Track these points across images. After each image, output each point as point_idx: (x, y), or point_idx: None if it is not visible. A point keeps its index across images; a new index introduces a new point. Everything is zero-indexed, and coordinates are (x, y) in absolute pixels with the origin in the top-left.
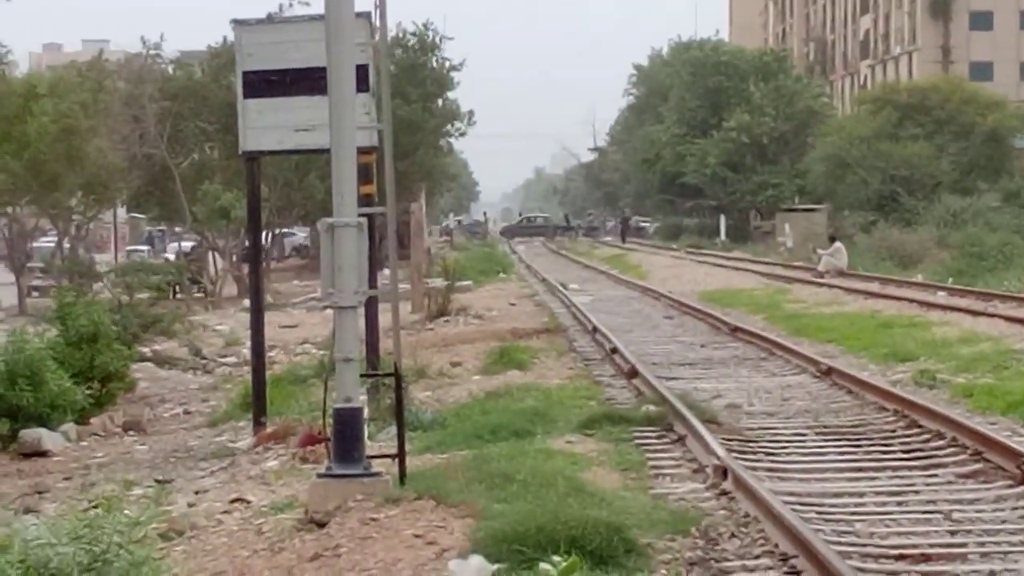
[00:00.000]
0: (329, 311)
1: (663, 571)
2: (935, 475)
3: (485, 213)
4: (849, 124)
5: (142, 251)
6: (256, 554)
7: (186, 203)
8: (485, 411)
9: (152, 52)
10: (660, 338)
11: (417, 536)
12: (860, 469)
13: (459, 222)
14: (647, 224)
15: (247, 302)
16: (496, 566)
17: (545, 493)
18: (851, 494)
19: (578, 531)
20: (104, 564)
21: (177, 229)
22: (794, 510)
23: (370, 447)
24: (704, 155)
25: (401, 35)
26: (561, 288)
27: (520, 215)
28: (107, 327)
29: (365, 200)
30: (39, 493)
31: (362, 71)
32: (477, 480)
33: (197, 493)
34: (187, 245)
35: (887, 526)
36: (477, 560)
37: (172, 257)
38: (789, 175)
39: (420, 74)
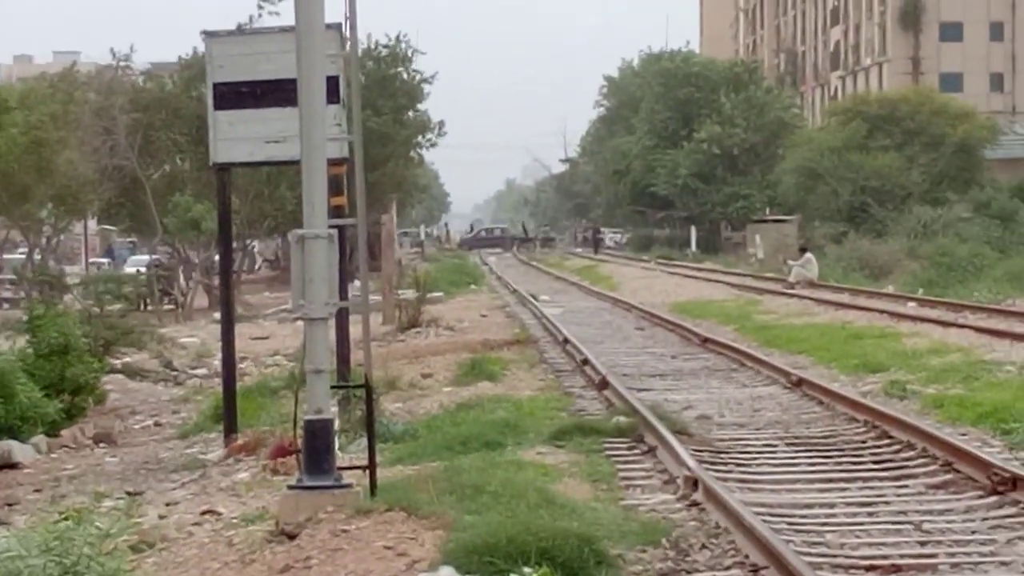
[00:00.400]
0: (300, 323)
1: None
2: (906, 486)
3: (446, 225)
4: (819, 135)
5: (102, 263)
6: (227, 566)
7: (157, 215)
8: (456, 423)
9: (122, 64)
10: (631, 349)
11: (388, 548)
12: (831, 480)
13: (428, 233)
14: (605, 235)
15: (218, 314)
16: None
17: (516, 504)
18: (822, 505)
19: (549, 542)
20: None
21: (132, 241)
22: (765, 521)
23: (341, 459)
24: (675, 166)
25: (373, 47)
26: (532, 299)
27: (472, 228)
28: (77, 339)
29: (336, 212)
30: (9, 505)
31: (332, 83)
32: (448, 491)
33: (168, 505)
34: (147, 259)
35: (858, 537)
36: (447, 571)
37: (133, 271)
38: (760, 186)
39: (391, 86)
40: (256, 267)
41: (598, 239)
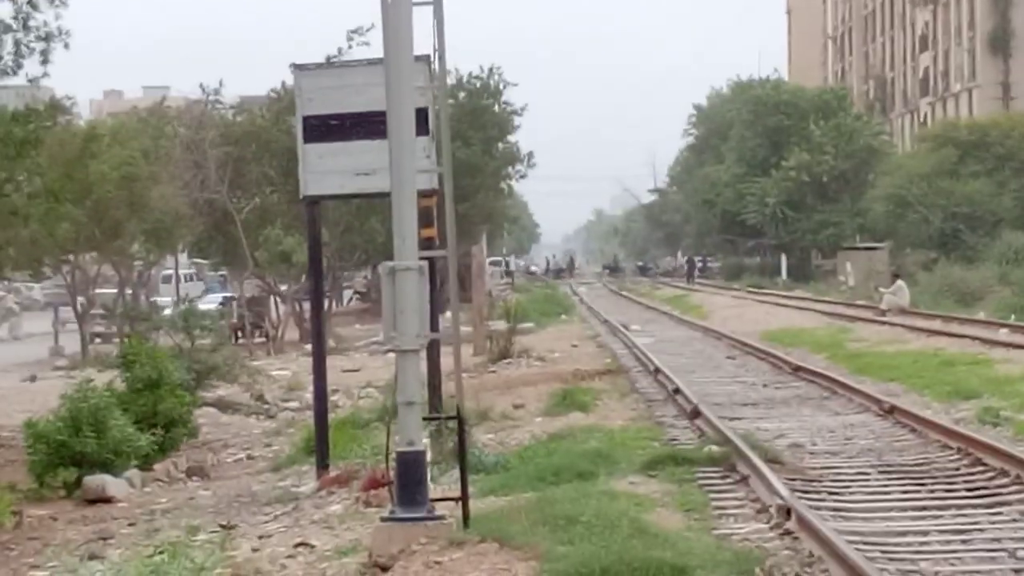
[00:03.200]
0: (391, 355)
1: None
2: (1000, 513)
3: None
4: (909, 162)
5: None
6: None
7: (248, 248)
8: (548, 453)
9: (212, 97)
10: (722, 378)
11: None
12: (924, 508)
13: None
14: (699, 264)
15: (309, 346)
16: None
17: (609, 535)
18: (915, 533)
19: (642, 572)
20: None
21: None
22: (858, 549)
23: (433, 490)
24: (764, 194)
25: (465, 79)
26: (623, 329)
27: (547, 261)
28: (170, 373)
29: (426, 243)
30: (104, 539)
31: (422, 114)
32: (541, 522)
33: (261, 538)
34: (219, 296)
35: (952, 565)
36: None
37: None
38: (849, 213)
39: (482, 118)
40: (348, 301)
41: (692, 269)
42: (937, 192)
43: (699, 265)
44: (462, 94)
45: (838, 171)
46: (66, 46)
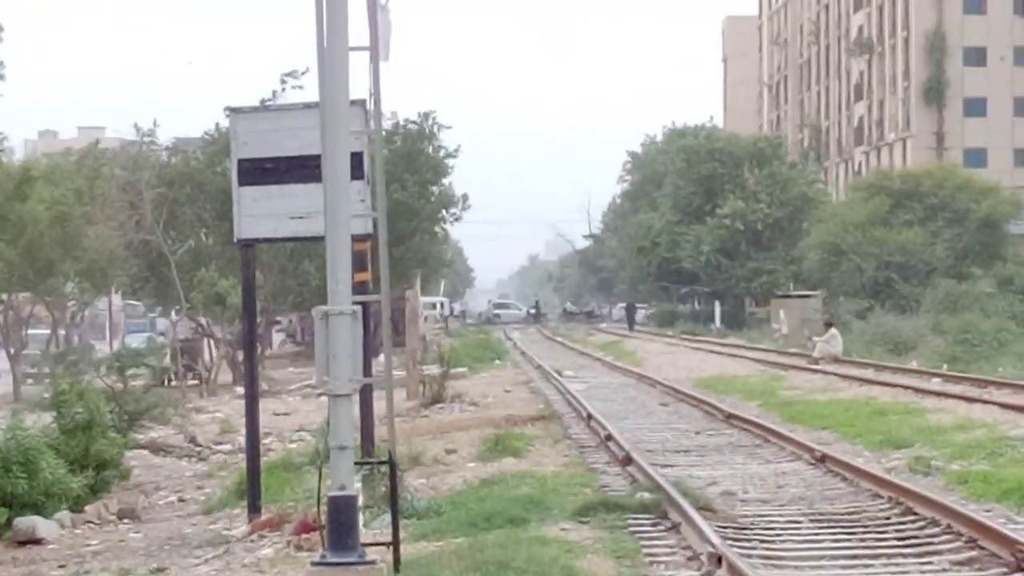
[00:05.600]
0: (324, 398)
1: None
2: (930, 563)
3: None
4: (843, 210)
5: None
6: None
7: (182, 290)
8: (480, 498)
9: (147, 139)
10: (655, 425)
11: None
12: (855, 556)
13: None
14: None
15: (242, 389)
16: None
17: None
18: None
19: None
20: None
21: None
22: None
23: (365, 535)
24: (698, 241)
25: (401, 124)
26: (556, 375)
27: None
28: (102, 415)
29: (360, 287)
30: None
31: (357, 159)
32: (472, 568)
33: None
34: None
35: None
36: None
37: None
38: (784, 261)
39: (417, 161)
40: (282, 343)
41: (632, 315)
42: (871, 241)
43: (641, 311)
44: (397, 139)
45: (772, 219)
46: (2, 77)
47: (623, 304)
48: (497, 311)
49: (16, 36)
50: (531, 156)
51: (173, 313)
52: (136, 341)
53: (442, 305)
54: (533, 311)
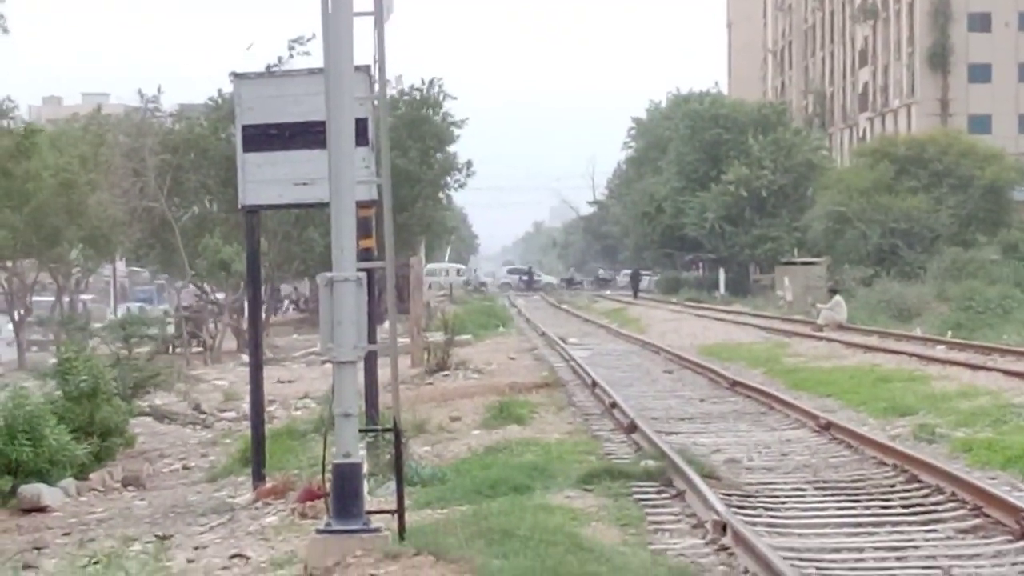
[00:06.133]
0: (328, 365)
1: None
2: (934, 530)
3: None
4: (848, 176)
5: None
6: None
7: (186, 256)
8: (484, 466)
9: (151, 105)
10: (659, 392)
11: None
12: (859, 524)
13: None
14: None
15: (246, 356)
16: None
17: (544, 549)
18: (850, 549)
19: None
20: None
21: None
22: (793, 566)
23: (369, 502)
24: (703, 208)
25: (406, 91)
26: (560, 342)
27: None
28: (107, 382)
29: (364, 254)
30: (38, 549)
31: (361, 125)
32: (476, 536)
33: (196, 549)
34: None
35: None
36: None
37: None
38: (788, 228)
39: (421, 128)
40: (284, 310)
41: (637, 282)
42: (876, 208)
43: (646, 278)
44: (402, 106)
45: (777, 186)
46: (4, 30)
47: (627, 271)
48: (508, 278)
49: (21, 2)
50: (536, 123)
51: (170, 285)
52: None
53: (459, 272)
54: (525, 278)
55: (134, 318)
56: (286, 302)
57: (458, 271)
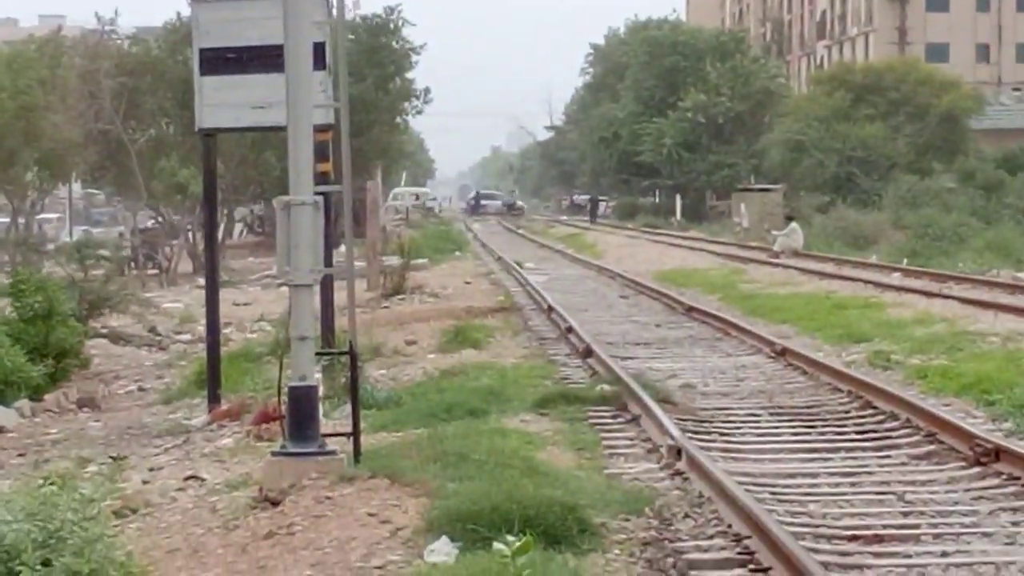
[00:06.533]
0: (284, 289)
1: (617, 551)
2: (889, 456)
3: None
4: (805, 104)
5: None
6: (210, 531)
7: (143, 179)
8: (440, 390)
9: (108, 28)
10: (615, 318)
11: (371, 515)
12: (814, 450)
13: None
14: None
15: (202, 279)
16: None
17: (500, 472)
18: (805, 475)
19: (532, 511)
20: (58, 541)
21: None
22: (748, 491)
23: (325, 425)
24: (660, 135)
25: (367, 16)
26: (517, 267)
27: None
28: (61, 303)
29: (321, 178)
30: None
31: (319, 49)
32: (432, 459)
33: (151, 470)
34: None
35: (840, 507)
36: (443, 542)
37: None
38: (745, 155)
39: (379, 55)
40: (240, 234)
41: (595, 207)
42: (833, 135)
43: (603, 204)
44: (361, 32)
45: (734, 113)
46: None
47: (579, 196)
48: (483, 202)
49: None
50: (493, 48)
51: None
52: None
53: (418, 196)
54: (473, 202)
55: (89, 241)
56: (240, 225)
57: (425, 196)
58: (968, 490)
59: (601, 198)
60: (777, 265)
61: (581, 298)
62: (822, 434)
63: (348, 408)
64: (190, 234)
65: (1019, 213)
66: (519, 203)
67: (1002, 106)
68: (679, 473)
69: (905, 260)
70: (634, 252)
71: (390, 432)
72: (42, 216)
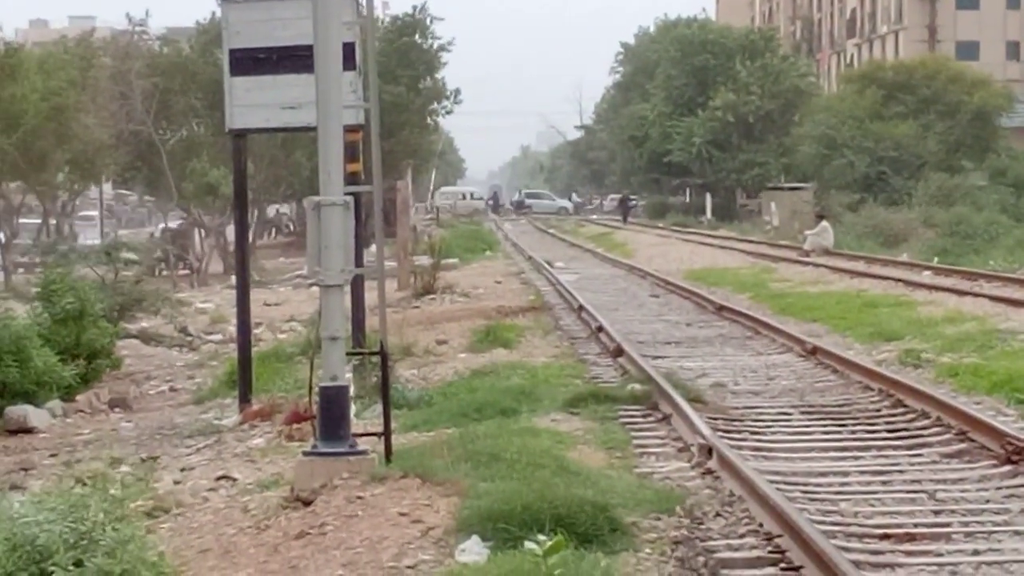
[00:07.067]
0: (315, 289)
1: (648, 550)
2: (920, 455)
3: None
4: (835, 103)
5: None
6: (242, 531)
7: (173, 180)
8: (471, 389)
9: (138, 28)
10: (646, 317)
11: (403, 514)
12: (845, 448)
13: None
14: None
15: (233, 279)
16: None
17: (531, 472)
18: (836, 473)
19: (563, 510)
20: (90, 542)
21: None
22: (779, 489)
23: (356, 425)
24: (690, 133)
25: (396, 17)
26: (547, 266)
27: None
28: (93, 304)
29: (351, 178)
30: (25, 470)
31: (349, 49)
32: (463, 458)
33: (183, 470)
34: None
35: (872, 505)
36: (474, 541)
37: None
38: (775, 153)
39: (409, 54)
40: (272, 234)
41: (627, 207)
42: (864, 134)
43: (632, 203)
44: (390, 33)
45: (764, 111)
46: None
47: (614, 196)
48: (528, 201)
49: None
50: (524, 47)
51: (158, 208)
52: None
53: (466, 196)
54: (491, 202)
55: (118, 243)
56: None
57: (470, 195)
58: (999, 488)
59: (632, 197)
60: (808, 264)
61: (611, 297)
62: (853, 432)
63: (379, 408)
64: (221, 234)
65: None
66: (570, 202)
67: None
68: (710, 472)
69: (936, 258)
70: (665, 251)
71: (421, 432)
72: (83, 214)
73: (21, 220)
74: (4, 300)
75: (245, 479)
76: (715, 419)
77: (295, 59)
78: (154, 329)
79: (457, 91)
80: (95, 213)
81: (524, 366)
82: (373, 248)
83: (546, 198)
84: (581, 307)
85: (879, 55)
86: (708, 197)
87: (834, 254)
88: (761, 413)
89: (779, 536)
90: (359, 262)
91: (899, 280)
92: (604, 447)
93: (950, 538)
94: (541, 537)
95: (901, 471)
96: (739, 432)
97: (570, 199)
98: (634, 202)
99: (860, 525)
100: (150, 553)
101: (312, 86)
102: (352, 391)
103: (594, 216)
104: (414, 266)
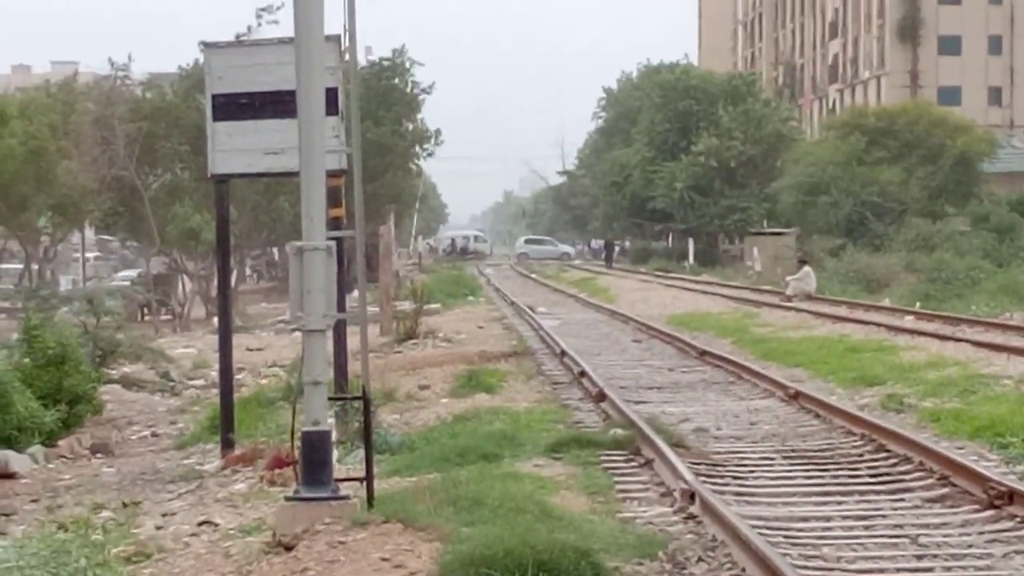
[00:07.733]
0: (297, 334)
1: None
2: (902, 499)
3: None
4: (818, 148)
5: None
6: None
7: (156, 225)
8: (453, 434)
9: (121, 73)
10: (628, 361)
11: (384, 560)
12: (827, 493)
13: (428, 245)
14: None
15: (215, 324)
16: None
17: (513, 517)
18: (818, 518)
19: (546, 555)
20: None
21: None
22: (761, 534)
23: (338, 470)
24: (672, 179)
25: (374, 62)
26: (529, 311)
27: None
28: (74, 349)
29: (334, 223)
30: (6, 515)
31: (331, 94)
32: (445, 503)
33: (165, 516)
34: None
35: (854, 550)
36: None
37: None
38: (757, 199)
39: (390, 97)
40: (258, 281)
41: (611, 252)
42: (851, 178)
43: (617, 248)
44: (371, 78)
45: (746, 156)
46: None
47: (597, 241)
48: (527, 248)
49: None
50: (506, 93)
51: (140, 253)
52: (127, 279)
53: (475, 239)
54: (449, 248)
55: (99, 290)
56: (248, 270)
57: (475, 237)
58: (982, 533)
59: (615, 242)
60: (790, 309)
61: (594, 342)
62: (835, 477)
63: (361, 453)
64: (203, 280)
65: None
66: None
67: (1015, 149)
68: (692, 517)
69: (918, 303)
70: (647, 296)
71: (403, 477)
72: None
73: (3, 265)
74: None
75: (227, 524)
76: (697, 464)
77: (277, 104)
78: (136, 374)
79: (438, 132)
80: (90, 255)
81: (506, 411)
82: (356, 293)
83: (548, 243)
84: (563, 352)
85: (861, 100)
86: (691, 242)
87: (816, 299)
88: (743, 458)
89: None
90: (341, 307)
91: (881, 325)
92: (586, 492)
93: None
94: None
95: (884, 516)
96: (721, 477)
97: (573, 245)
98: (618, 247)
99: (843, 570)
100: None
101: (294, 131)
102: (334, 436)
103: (577, 261)
104: (396, 311)
